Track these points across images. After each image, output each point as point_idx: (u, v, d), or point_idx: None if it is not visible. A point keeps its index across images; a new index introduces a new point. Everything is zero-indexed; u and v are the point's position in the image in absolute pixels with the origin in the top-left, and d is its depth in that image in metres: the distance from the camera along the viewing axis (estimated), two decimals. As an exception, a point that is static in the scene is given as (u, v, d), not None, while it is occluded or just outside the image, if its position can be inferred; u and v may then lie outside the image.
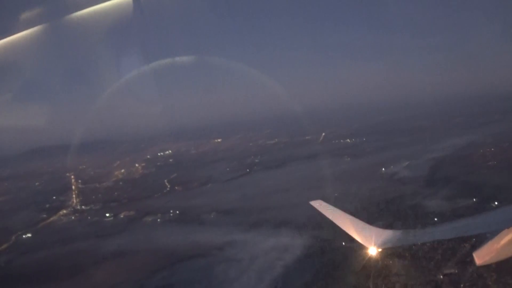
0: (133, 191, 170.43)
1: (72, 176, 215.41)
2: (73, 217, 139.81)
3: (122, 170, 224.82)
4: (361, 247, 25.94)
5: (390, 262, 68.09)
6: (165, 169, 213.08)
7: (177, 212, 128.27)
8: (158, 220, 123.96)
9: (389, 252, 65.40)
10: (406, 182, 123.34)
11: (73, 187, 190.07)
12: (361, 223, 27.28)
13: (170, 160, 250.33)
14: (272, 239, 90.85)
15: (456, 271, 63.99)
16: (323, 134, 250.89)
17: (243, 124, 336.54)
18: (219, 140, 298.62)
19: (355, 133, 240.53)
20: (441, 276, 63.77)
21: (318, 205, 30.99)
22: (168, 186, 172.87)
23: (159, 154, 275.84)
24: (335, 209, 29.90)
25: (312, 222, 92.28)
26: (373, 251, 25.22)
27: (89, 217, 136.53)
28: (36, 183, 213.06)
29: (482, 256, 20.63)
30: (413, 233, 28.06)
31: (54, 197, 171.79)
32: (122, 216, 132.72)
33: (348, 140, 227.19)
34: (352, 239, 26.22)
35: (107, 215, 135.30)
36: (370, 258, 51.78)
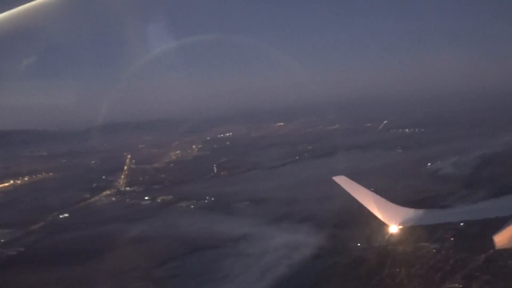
0: (180, 174, 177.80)
1: (128, 156, 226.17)
2: (113, 199, 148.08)
3: (178, 152, 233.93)
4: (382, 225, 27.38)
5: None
6: (219, 152, 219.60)
7: (212, 199, 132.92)
8: (191, 206, 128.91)
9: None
10: (447, 180, 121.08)
11: (125, 167, 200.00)
12: (384, 201, 28.63)
13: (227, 142, 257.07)
14: (289, 235, 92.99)
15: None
16: (385, 122, 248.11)
17: (309, 108, 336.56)
18: (281, 124, 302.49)
19: (416, 123, 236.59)
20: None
21: (341, 180, 32.74)
22: (215, 170, 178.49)
23: (219, 136, 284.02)
24: (358, 185, 31.35)
25: (340, 217, 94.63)
26: (394, 229, 26.55)
27: (127, 200, 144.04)
28: (92, 161, 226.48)
29: (502, 240, 21.31)
30: (436, 212, 29.59)
31: (103, 177, 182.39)
32: (159, 200, 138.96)
33: (407, 130, 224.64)
34: (374, 217, 27.77)
35: (146, 198, 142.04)
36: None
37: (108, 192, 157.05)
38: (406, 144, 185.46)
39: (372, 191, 30.06)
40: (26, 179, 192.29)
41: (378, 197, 29.01)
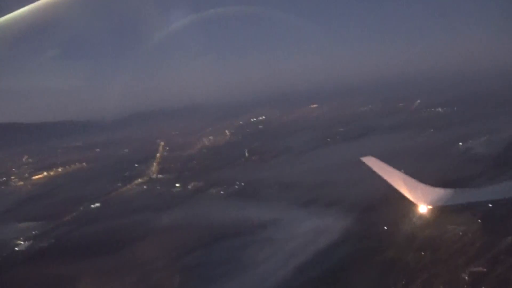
0: (212, 160, 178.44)
1: (162, 143, 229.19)
2: (145, 187, 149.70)
3: (210, 137, 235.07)
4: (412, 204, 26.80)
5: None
6: (251, 137, 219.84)
7: (242, 184, 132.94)
8: (221, 192, 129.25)
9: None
10: (477, 159, 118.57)
11: (158, 154, 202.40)
12: (413, 181, 28.31)
13: (260, 127, 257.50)
14: (317, 219, 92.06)
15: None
16: (418, 101, 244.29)
17: (342, 89, 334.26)
18: (314, 106, 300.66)
19: (448, 102, 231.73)
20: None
21: (369, 161, 32.26)
22: (246, 155, 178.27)
23: (252, 120, 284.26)
24: (386, 165, 31.02)
25: (368, 199, 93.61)
26: (423, 209, 25.99)
27: (159, 188, 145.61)
28: (126, 150, 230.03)
29: None
30: (466, 192, 29.04)
31: (136, 165, 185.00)
32: (190, 187, 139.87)
33: (440, 109, 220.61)
34: (402, 197, 27.26)
35: (177, 185, 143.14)
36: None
37: (140, 180, 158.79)
38: (438, 124, 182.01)
39: (401, 171, 29.25)
40: (60, 170, 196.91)
41: (407, 177, 28.76)
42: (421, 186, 27.57)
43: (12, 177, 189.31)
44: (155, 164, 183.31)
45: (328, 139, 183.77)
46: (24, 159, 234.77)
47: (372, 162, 31.41)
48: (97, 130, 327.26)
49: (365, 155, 39.86)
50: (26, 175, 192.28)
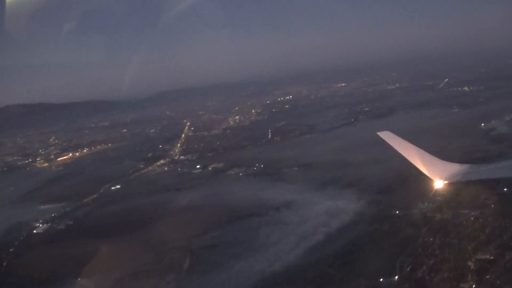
0: (235, 140, 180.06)
1: (187, 123, 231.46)
2: (166, 168, 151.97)
3: (237, 117, 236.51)
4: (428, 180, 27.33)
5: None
6: (277, 116, 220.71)
7: (262, 165, 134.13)
8: (240, 174, 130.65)
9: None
10: (499, 139, 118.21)
11: (183, 135, 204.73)
12: (429, 156, 28.79)
13: (286, 106, 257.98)
14: (332, 202, 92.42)
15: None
16: (446, 80, 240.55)
17: (371, 66, 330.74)
18: (343, 84, 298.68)
19: (477, 79, 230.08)
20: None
21: (386, 135, 32.99)
22: (269, 135, 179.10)
23: (279, 99, 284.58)
24: (403, 140, 31.65)
25: (387, 181, 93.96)
26: (439, 184, 26.46)
27: (179, 169, 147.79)
28: (152, 130, 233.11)
29: None
30: (482, 168, 29.46)
31: (160, 146, 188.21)
32: (210, 168, 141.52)
33: (466, 88, 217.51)
34: (419, 172, 27.85)
35: (197, 167, 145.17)
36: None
37: (162, 161, 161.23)
38: (464, 102, 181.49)
39: (417, 146, 29.48)
40: (85, 151, 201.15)
41: (423, 152, 28.89)
42: (437, 161, 27.77)
43: (38, 159, 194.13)
44: (178, 145, 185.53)
45: (352, 119, 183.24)
46: (51, 140, 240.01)
47: (388, 137, 31.77)
48: (126, 108, 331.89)
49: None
50: (52, 156, 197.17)
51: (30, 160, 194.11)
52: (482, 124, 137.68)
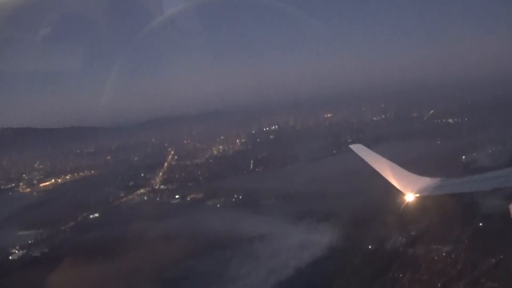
0: (216, 170, 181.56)
1: (172, 152, 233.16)
2: (145, 198, 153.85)
3: (221, 146, 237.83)
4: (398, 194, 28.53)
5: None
6: (261, 146, 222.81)
7: (240, 197, 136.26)
8: (218, 205, 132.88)
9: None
10: (479, 172, 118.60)
11: (166, 163, 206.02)
12: (400, 169, 29.55)
13: (271, 136, 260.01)
14: (307, 235, 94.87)
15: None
16: (432, 111, 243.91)
17: (360, 96, 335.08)
18: (329, 114, 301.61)
19: (463, 110, 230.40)
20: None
21: (358, 148, 34.38)
22: (251, 166, 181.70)
23: (265, 128, 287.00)
24: (374, 153, 32.70)
25: (364, 213, 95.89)
26: (410, 197, 27.66)
27: (158, 199, 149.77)
28: (136, 158, 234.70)
29: None
30: (454, 181, 30.48)
31: (142, 174, 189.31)
32: (188, 198, 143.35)
33: (451, 120, 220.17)
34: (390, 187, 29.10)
35: (176, 197, 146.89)
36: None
37: (142, 190, 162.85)
38: (447, 134, 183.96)
39: (388, 159, 30.33)
40: (68, 177, 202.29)
41: (394, 165, 28.76)
42: (408, 174, 28.79)
43: (21, 183, 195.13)
44: (160, 173, 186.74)
45: (335, 150, 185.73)
46: (35, 165, 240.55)
47: (360, 150, 33.15)
48: (113, 134, 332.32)
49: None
50: (35, 181, 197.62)
51: (13, 184, 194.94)
52: (463, 157, 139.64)
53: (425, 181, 27.86)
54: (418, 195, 26.42)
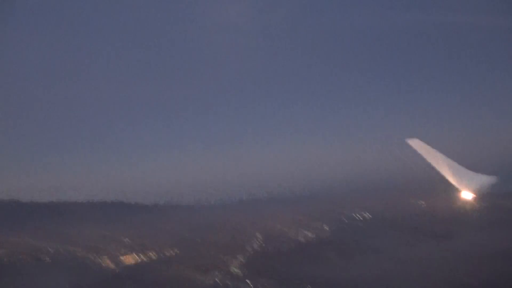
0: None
1: (259, 236, 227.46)
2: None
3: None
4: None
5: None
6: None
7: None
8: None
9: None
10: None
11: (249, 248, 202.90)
12: (457, 166, 27.54)
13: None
14: None
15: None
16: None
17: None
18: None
19: None
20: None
21: (415, 144, 31.72)
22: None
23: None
24: (432, 149, 30.44)
25: None
26: (466, 195, 25.30)
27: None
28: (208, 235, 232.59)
29: None
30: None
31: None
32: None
33: None
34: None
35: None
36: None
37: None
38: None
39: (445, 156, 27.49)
40: (152, 254, 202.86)
41: (453, 162, 26.95)
42: (467, 172, 25.91)
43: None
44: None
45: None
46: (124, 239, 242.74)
47: (417, 145, 29.94)
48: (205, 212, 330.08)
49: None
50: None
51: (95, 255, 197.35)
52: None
53: (483, 179, 24.44)
54: (475, 193, 23.09)
